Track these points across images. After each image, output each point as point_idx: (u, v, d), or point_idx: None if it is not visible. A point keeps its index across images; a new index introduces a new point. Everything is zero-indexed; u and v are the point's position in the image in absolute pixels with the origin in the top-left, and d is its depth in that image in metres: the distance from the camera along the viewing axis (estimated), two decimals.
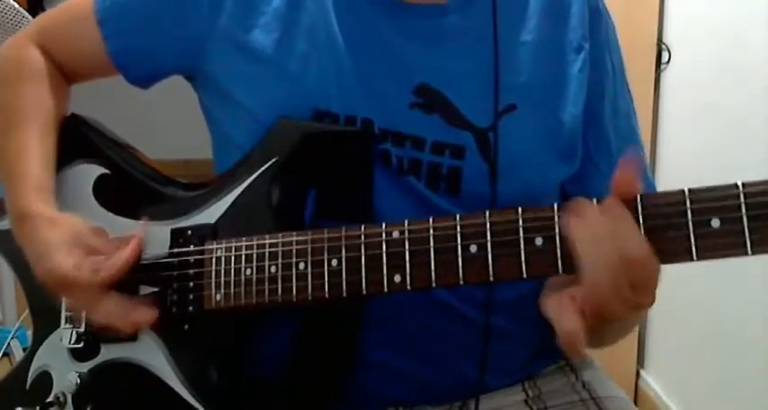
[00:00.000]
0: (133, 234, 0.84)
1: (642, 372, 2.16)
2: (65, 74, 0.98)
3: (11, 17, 1.90)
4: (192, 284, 0.82)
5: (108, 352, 0.87)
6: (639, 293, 0.62)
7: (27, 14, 1.92)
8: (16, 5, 1.91)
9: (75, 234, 0.83)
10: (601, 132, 0.91)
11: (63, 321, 0.89)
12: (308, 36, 0.86)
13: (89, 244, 0.83)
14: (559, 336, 0.63)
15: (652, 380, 2.12)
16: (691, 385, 1.93)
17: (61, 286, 0.82)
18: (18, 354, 1.94)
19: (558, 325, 0.63)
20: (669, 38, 2.03)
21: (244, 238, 0.79)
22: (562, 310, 0.63)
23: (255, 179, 0.82)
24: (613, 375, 1.00)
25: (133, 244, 0.83)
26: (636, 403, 2.10)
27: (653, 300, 0.66)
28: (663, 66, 2.04)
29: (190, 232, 0.83)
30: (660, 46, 2.04)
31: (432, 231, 0.69)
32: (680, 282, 1.75)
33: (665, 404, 2.02)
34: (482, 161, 0.84)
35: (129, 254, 0.82)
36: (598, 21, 0.92)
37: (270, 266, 0.77)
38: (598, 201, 0.63)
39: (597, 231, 0.62)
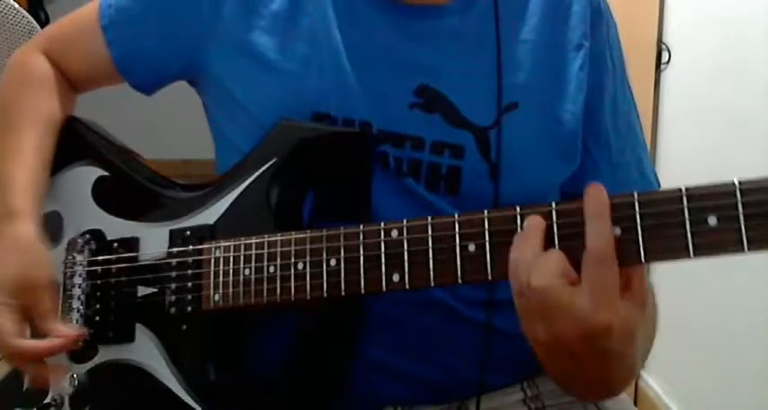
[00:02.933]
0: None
1: (642, 372, 2.16)
2: (72, 82, 1.00)
3: (11, 17, 1.90)
4: (190, 285, 0.82)
5: (105, 353, 0.87)
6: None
7: (27, 14, 1.92)
8: (16, 5, 1.91)
9: (19, 286, 0.84)
10: (600, 130, 0.91)
11: None
12: (308, 38, 0.86)
13: (25, 303, 0.84)
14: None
15: (652, 380, 2.12)
16: (691, 385, 1.93)
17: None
18: None
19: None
20: (669, 38, 2.03)
21: (242, 238, 0.79)
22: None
23: (254, 180, 0.82)
24: None
25: (54, 343, 0.83)
26: (636, 403, 2.10)
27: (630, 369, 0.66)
28: (663, 66, 2.04)
29: (188, 233, 0.84)
30: (660, 46, 2.04)
31: (430, 230, 0.69)
32: (680, 283, 1.75)
33: (665, 404, 2.02)
34: (482, 160, 0.84)
35: (56, 344, 0.83)
36: (599, 19, 0.92)
37: (268, 266, 0.77)
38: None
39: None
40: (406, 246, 0.70)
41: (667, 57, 2.02)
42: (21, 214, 0.87)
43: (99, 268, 0.88)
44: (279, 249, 0.76)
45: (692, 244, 0.59)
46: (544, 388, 0.93)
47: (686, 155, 1.94)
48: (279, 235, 0.77)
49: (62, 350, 0.84)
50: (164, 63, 0.93)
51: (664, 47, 2.03)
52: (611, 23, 0.94)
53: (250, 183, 0.82)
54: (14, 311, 0.84)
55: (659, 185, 0.96)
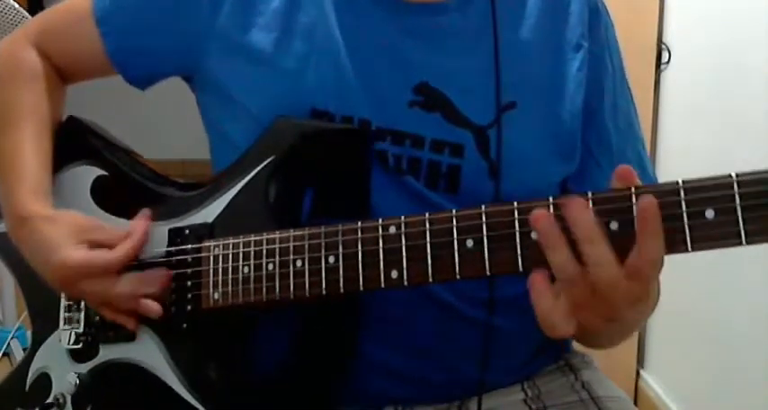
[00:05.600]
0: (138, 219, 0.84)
1: (642, 372, 2.16)
2: (62, 74, 0.98)
3: (11, 17, 1.90)
4: (189, 283, 0.82)
5: (107, 353, 0.87)
6: (632, 287, 0.62)
7: (27, 14, 1.92)
8: (16, 5, 1.91)
9: (77, 227, 0.83)
10: (601, 129, 0.91)
11: (62, 322, 0.89)
12: (307, 35, 0.86)
13: (94, 234, 0.83)
14: (537, 316, 0.64)
15: (652, 380, 2.12)
16: (691, 385, 1.93)
17: (75, 277, 0.82)
18: (18, 354, 1.94)
19: (534, 305, 0.63)
20: (669, 38, 2.03)
21: (241, 236, 0.79)
22: (536, 290, 0.63)
23: (252, 178, 0.82)
24: (613, 375, 1.00)
25: (141, 225, 0.83)
26: (636, 403, 2.10)
27: (654, 297, 0.66)
28: (663, 66, 2.04)
29: (187, 231, 0.84)
30: (660, 46, 2.04)
31: (428, 226, 0.69)
32: (680, 282, 1.75)
33: (664, 404, 2.02)
34: (481, 159, 0.84)
35: (140, 235, 0.82)
36: (597, 19, 0.92)
37: (267, 264, 0.77)
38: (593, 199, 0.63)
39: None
40: (404, 242, 0.70)
41: (667, 57, 2.02)
42: (35, 216, 0.86)
43: None
44: (277, 246, 0.76)
45: (690, 237, 0.59)
46: (545, 389, 0.93)
47: (686, 155, 1.94)
48: (277, 232, 0.77)
49: (147, 225, 0.83)
50: (159, 58, 0.92)
51: (664, 47, 2.03)
52: (609, 23, 0.95)
53: (248, 181, 0.82)
54: (82, 240, 0.82)
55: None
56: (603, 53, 0.92)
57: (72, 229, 0.83)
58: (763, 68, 1.57)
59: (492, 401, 0.89)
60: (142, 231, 0.83)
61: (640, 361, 2.17)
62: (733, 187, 0.58)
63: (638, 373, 2.16)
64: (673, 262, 0.61)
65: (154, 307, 0.81)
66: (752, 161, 1.59)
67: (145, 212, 0.85)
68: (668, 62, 2.03)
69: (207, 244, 0.81)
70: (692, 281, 1.79)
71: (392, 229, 0.70)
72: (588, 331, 0.66)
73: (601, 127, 0.91)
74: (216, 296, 0.80)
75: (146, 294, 0.81)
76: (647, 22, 2.02)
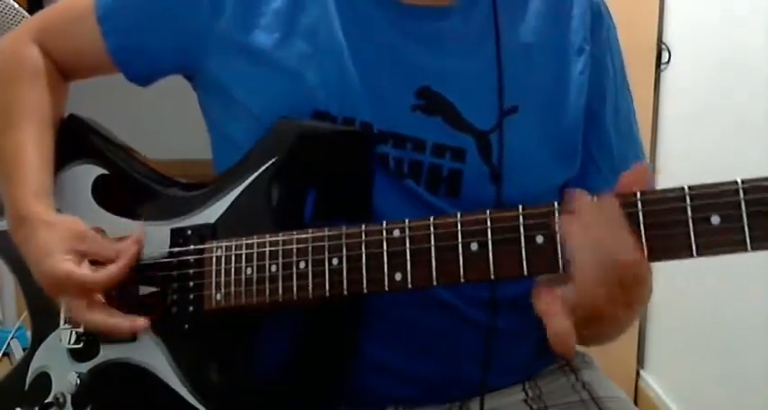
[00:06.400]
0: (132, 235, 0.84)
1: (642, 372, 2.16)
2: (64, 72, 0.98)
3: (11, 17, 1.90)
4: (192, 284, 0.82)
5: (107, 353, 0.87)
6: (629, 292, 0.63)
7: (27, 14, 1.92)
8: (16, 5, 1.91)
9: (72, 236, 0.83)
10: (602, 133, 0.91)
11: (62, 321, 0.89)
12: (310, 37, 0.86)
13: (87, 246, 0.83)
14: (549, 336, 0.64)
15: (652, 380, 2.12)
16: (691, 385, 1.93)
17: (59, 288, 0.82)
18: (18, 354, 1.94)
19: (548, 324, 0.64)
20: (669, 38, 2.03)
21: (244, 238, 0.79)
22: (552, 310, 0.64)
23: (255, 179, 0.82)
24: (613, 375, 1.00)
25: (132, 245, 0.83)
26: (636, 403, 2.10)
27: (647, 298, 0.67)
28: (663, 66, 2.04)
29: (189, 232, 0.84)
30: (660, 46, 2.04)
31: (432, 229, 0.69)
32: (680, 282, 1.75)
33: (664, 404, 2.02)
34: (483, 163, 0.84)
35: (128, 256, 0.82)
36: (599, 22, 0.92)
37: (270, 265, 0.77)
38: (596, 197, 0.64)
39: (591, 230, 0.62)
40: (408, 245, 0.70)
41: (667, 57, 2.02)
42: (34, 219, 0.86)
43: None
44: (280, 248, 0.76)
45: (695, 243, 0.59)
46: (546, 389, 0.93)
47: (686, 156, 1.94)
48: (280, 234, 0.77)
49: (139, 247, 0.83)
50: (160, 57, 0.92)
51: (664, 47, 2.03)
52: (611, 26, 0.95)
53: (251, 182, 0.82)
54: (74, 250, 0.82)
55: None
56: (605, 56, 0.92)
57: (66, 235, 0.83)
58: (764, 68, 1.57)
59: (493, 401, 0.89)
60: (131, 252, 0.83)
61: (640, 361, 2.17)
62: (739, 193, 0.58)
63: (638, 373, 2.16)
64: (673, 261, 0.62)
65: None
66: (752, 161, 1.59)
67: (138, 235, 0.85)
68: (668, 62, 2.03)
69: (210, 244, 0.81)
70: (692, 281, 1.79)
71: (396, 233, 0.70)
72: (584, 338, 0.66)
73: (602, 130, 0.91)
74: (218, 297, 0.80)
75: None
76: (647, 22, 2.02)
